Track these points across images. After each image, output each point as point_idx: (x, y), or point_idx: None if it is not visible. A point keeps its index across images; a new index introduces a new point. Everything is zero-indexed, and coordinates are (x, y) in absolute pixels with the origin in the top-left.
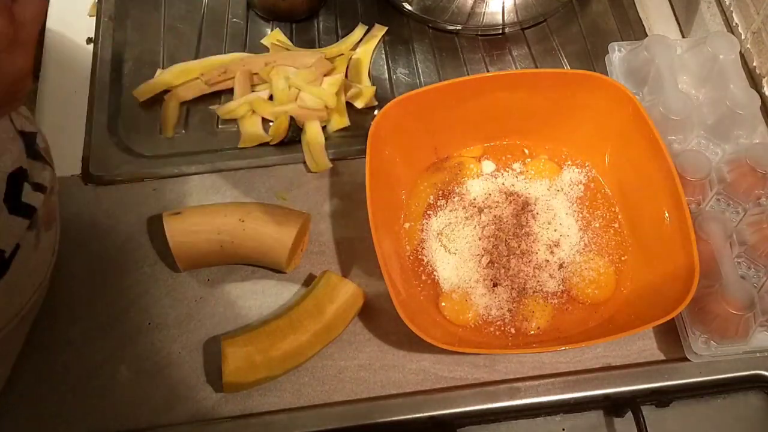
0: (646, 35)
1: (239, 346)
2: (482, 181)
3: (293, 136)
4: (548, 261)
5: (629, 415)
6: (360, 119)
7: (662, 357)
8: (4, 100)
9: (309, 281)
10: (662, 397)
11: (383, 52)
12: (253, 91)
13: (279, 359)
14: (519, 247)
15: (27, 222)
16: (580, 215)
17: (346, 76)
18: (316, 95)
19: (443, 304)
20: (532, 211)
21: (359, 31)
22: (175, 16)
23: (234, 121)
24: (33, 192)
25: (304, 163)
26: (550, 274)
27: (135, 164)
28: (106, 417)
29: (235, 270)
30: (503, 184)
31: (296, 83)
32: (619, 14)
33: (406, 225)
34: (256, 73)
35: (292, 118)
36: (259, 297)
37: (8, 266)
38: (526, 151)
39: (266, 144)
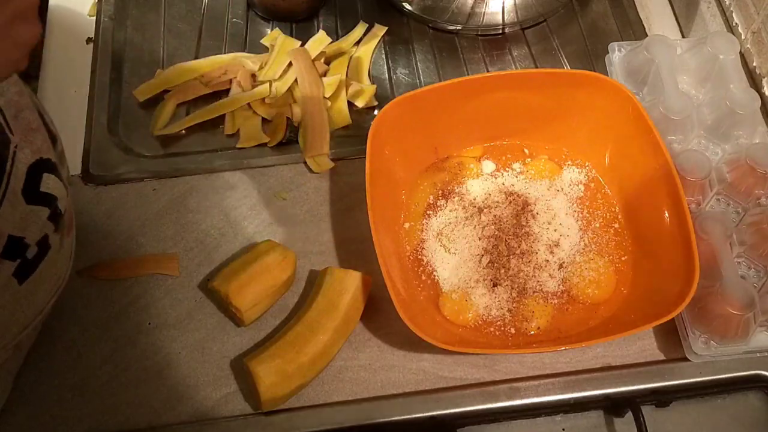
0: (646, 35)
1: (267, 362)
2: (482, 181)
3: (291, 136)
4: (548, 261)
5: (629, 415)
6: (360, 119)
7: (662, 357)
8: (22, 62)
9: (311, 281)
10: (662, 397)
11: (383, 52)
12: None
13: (309, 363)
14: (519, 247)
15: (47, 211)
16: (580, 215)
17: (347, 75)
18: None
19: (443, 304)
20: (532, 211)
21: (360, 28)
22: (175, 16)
23: None
24: (54, 182)
25: (305, 163)
26: (550, 274)
27: (135, 164)
28: (106, 417)
29: None
30: (503, 184)
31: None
32: (619, 14)
33: (406, 225)
34: (254, 74)
35: (288, 119)
36: None
37: (36, 266)
38: (526, 151)
39: (265, 144)
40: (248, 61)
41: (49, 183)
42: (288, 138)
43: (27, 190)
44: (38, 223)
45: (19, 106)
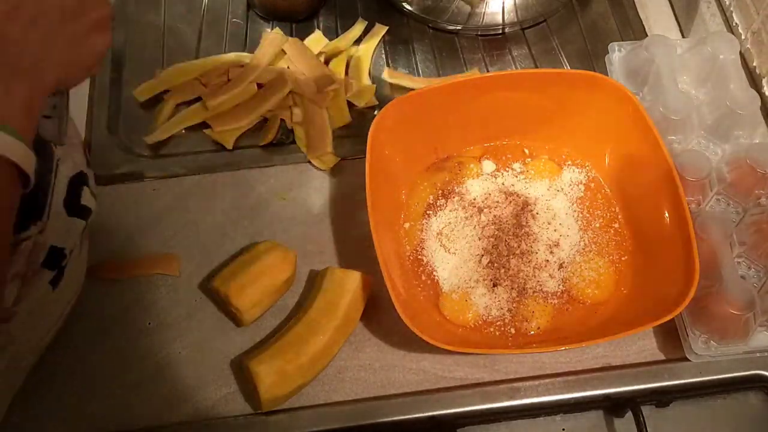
0: (646, 35)
1: (267, 362)
2: (482, 181)
3: (282, 138)
4: (548, 261)
5: (629, 415)
6: (360, 119)
7: (662, 357)
8: (96, 68)
9: (311, 281)
10: (662, 397)
11: (383, 52)
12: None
13: (309, 364)
14: (519, 247)
15: (84, 223)
16: (580, 215)
17: (346, 74)
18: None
19: (443, 304)
20: (532, 211)
21: (358, 26)
22: (175, 16)
23: None
24: (90, 195)
25: (306, 163)
26: (550, 274)
27: (135, 164)
28: (106, 417)
29: None
30: (503, 184)
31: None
32: (619, 14)
33: (406, 225)
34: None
35: (282, 120)
36: None
37: (65, 272)
38: (526, 151)
39: (268, 144)
40: (248, 61)
41: (86, 196)
42: (279, 140)
43: (68, 202)
44: (75, 235)
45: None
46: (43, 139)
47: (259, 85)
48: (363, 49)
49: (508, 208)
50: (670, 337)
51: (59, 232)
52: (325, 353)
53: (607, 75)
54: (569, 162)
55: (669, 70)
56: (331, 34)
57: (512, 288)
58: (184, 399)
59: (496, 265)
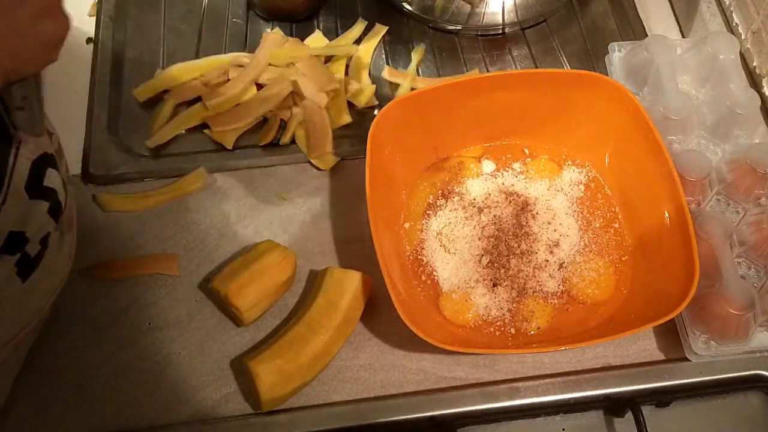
0: (646, 35)
1: (267, 362)
2: (482, 181)
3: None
4: (548, 261)
5: (629, 415)
6: (360, 119)
7: (662, 357)
8: (52, 54)
9: (311, 281)
10: (662, 397)
11: (383, 51)
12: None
13: (309, 364)
14: (519, 247)
15: (47, 204)
16: (580, 215)
17: (346, 74)
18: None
19: (443, 304)
20: (531, 211)
21: (359, 26)
22: (175, 16)
23: None
24: (55, 176)
25: (306, 163)
26: (549, 274)
27: (135, 164)
28: (106, 417)
29: None
30: (503, 184)
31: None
32: (619, 14)
33: (406, 225)
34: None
35: (282, 120)
36: None
37: (38, 264)
38: (526, 151)
39: (268, 144)
40: (248, 61)
41: (51, 177)
42: (277, 140)
43: (30, 185)
44: (38, 218)
45: None
46: (5, 125)
47: (259, 86)
48: (363, 49)
49: (508, 208)
50: (670, 337)
51: (18, 217)
52: (326, 353)
53: (607, 75)
54: (569, 162)
55: (669, 70)
56: (331, 34)
57: (512, 288)
58: (184, 399)
59: (496, 265)
